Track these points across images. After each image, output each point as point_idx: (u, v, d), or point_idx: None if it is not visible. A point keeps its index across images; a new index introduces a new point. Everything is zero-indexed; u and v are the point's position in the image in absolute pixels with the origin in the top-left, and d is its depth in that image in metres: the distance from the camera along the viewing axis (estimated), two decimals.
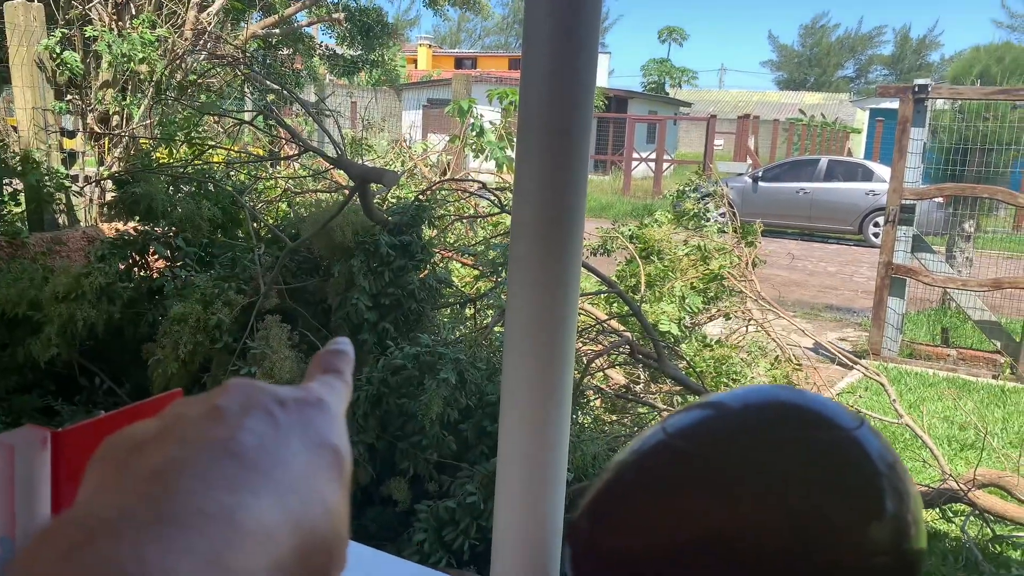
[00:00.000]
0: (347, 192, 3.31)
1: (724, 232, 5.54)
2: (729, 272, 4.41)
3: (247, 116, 4.57)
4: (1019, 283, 6.29)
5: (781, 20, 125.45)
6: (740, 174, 17.13)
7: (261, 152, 5.43)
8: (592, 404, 3.79)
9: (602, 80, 32.60)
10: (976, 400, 5.71)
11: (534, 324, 1.22)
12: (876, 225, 13.81)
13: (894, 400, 4.00)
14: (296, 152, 3.97)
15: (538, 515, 1.19)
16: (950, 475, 3.44)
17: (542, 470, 1.27)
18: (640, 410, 3.99)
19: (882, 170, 14.01)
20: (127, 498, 0.26)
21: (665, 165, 21.70)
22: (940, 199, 8.33)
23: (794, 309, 9.14)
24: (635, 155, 22.17)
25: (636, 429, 3.49)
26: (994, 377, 6.33)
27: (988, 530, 3.39)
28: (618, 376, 4.19)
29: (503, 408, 1.26)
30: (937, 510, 3.45)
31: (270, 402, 0.31)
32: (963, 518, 3.38)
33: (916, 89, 6.34)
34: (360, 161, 6.04)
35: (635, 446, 0.40)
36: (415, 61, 36.33)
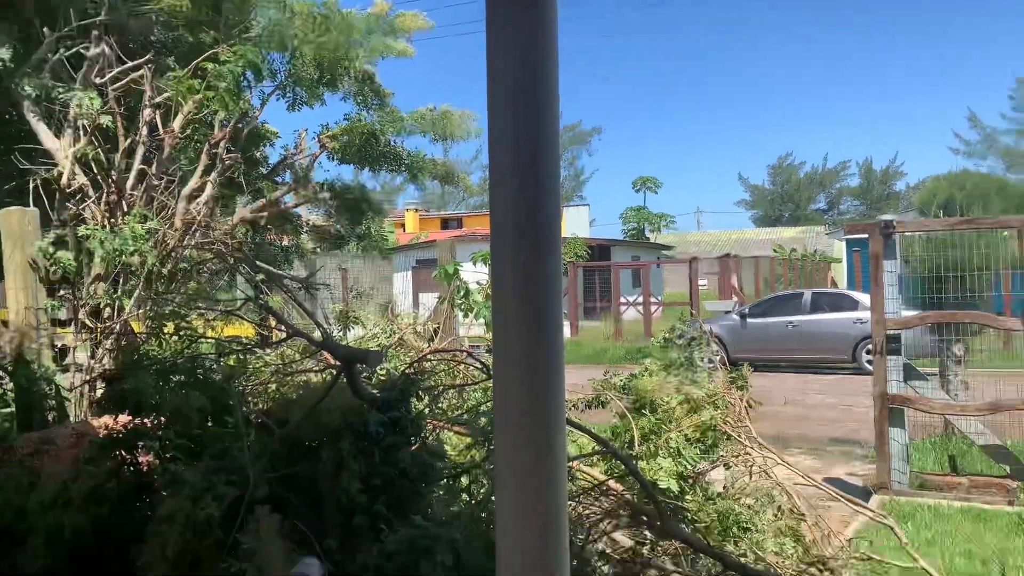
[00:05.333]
0: (334, 372, 3.34)
1: (715, 374, 5.54)
2: (723, 420, 4.38)
3: (237, 303, 4.67)
4: (1017, 406, 6.25)
5: (748, 163, 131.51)
6: (728, 312, 17.37)
7: (251, 333, 5.51)
8: (600, 571, 3.65)
9: (584, 231, 33.61)
10: (994, 531, 5.53)
11: (523, 492, 1.20)
12: (869, 352, 13.87)
13: (905, 544, 3.87)
14: (284, 336, 4.04)
15: None
16: None
17: None
18: (650, 573, 3.84)
19: (866, 298, 14.21)
20: None
21: (654, 307, 22.00)
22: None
23: (799, 445, 9.01)
24: (623, 299, 22.51)
25: None
26: (1009, 503, 6.16)
27: None
28: (624, 539, 4.06)
29: None
30: None
31: None
32: None
33: (883, 225, 6.56)
34: (348, 335, 6.11)
35: None
36: (403, 225, 37.55)
